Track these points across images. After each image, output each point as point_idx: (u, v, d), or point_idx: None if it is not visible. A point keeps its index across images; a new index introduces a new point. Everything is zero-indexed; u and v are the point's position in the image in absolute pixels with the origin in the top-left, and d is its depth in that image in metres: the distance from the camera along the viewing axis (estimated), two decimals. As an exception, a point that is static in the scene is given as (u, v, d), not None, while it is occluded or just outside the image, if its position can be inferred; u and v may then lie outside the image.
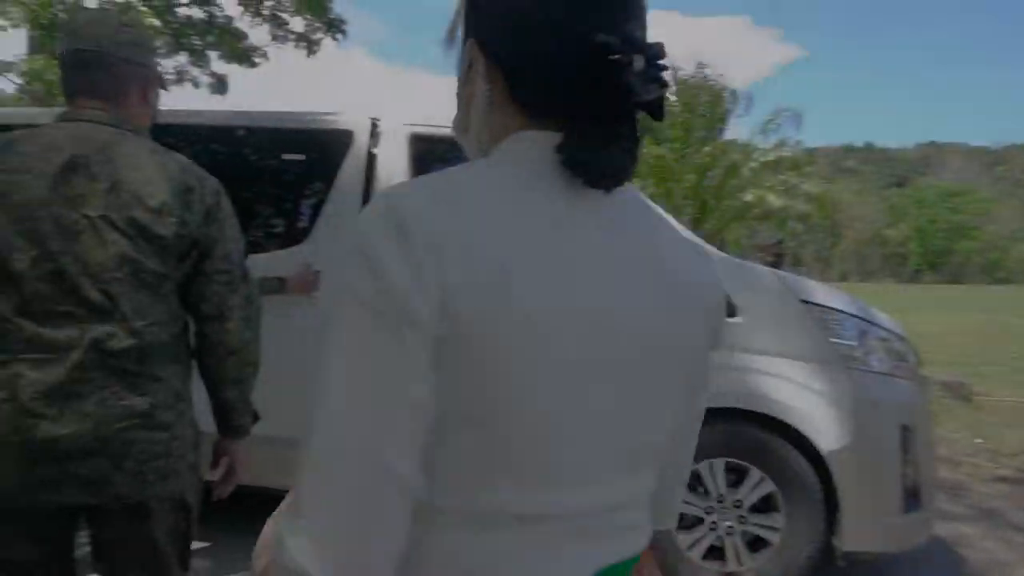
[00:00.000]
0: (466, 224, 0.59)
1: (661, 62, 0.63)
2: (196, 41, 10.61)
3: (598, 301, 0.62)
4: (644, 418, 0.68)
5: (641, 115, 0.65)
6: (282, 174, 4.21)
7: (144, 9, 9.11)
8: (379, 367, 0.56)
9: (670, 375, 0.69)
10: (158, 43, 10.03)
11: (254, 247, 2.40)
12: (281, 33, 10.62)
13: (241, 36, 10.61)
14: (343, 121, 3.21)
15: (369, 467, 0.55)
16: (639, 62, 0.61)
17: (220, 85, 11.13)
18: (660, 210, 0.56)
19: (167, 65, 10.29)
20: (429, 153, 3.19)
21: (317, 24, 10.55)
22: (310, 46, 10.69)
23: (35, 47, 7.85)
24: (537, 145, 0.64)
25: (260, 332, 1.53)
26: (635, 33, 0.64)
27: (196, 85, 10.80)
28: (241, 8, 10.46)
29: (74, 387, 1.27)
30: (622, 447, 0.66)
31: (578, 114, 0.62)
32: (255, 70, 10.81)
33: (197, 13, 10.32)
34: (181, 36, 10.36)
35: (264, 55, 10.90)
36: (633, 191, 0.71)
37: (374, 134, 3.15)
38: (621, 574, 0.68)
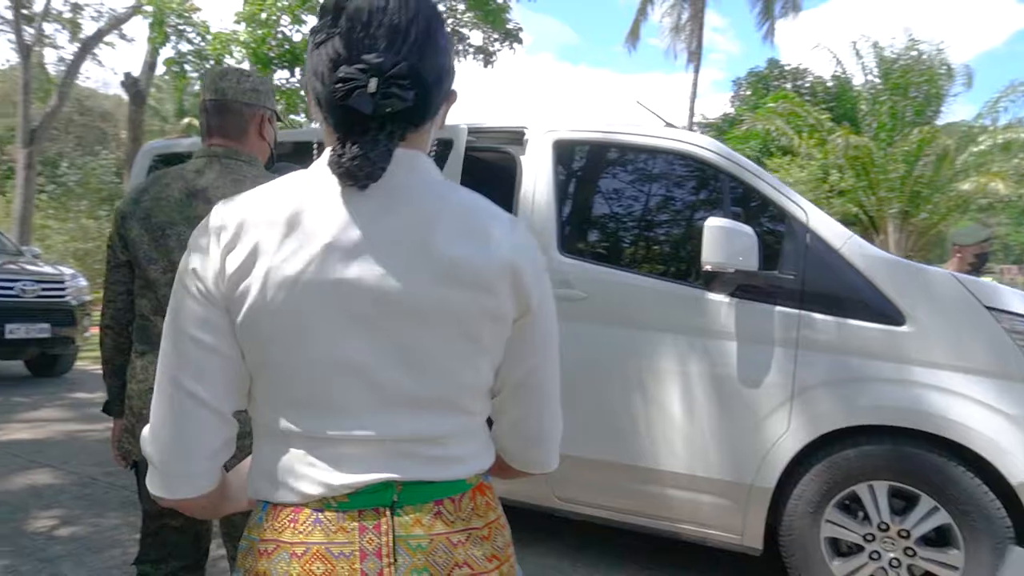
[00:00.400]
0: (241, 219, 0.81)
1: (398, 80, 0.77)
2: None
3: (348, 273, 0.79)
4: (421, 369, 0.82)
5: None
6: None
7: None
8: (179, 320, 0.83)
9: (444, 335, 0.82)
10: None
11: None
12: (461, 48, 11.22)
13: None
14: (497, 135, 3.34)
15: (171, 386, 0.83)
16: (372, 84, 0.76)
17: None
18: (458, 195, 0.81)
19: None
20: (572, 157, 3.22)
21: (495, 36, 11.02)
22: (487, 58, 11.19)
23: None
24: (327, 155, 0.82)
25: None
26: (374, 60, 0.77)
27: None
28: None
29: None
30: (397, 391, 0.81)
31: (343, 129, 0.79)
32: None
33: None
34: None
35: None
36: (422, 182, 0.84)
37: (521, 142, 3.24)
38: (427, 492, 0.83)
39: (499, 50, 11.18)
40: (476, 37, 11.19)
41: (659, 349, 2.83)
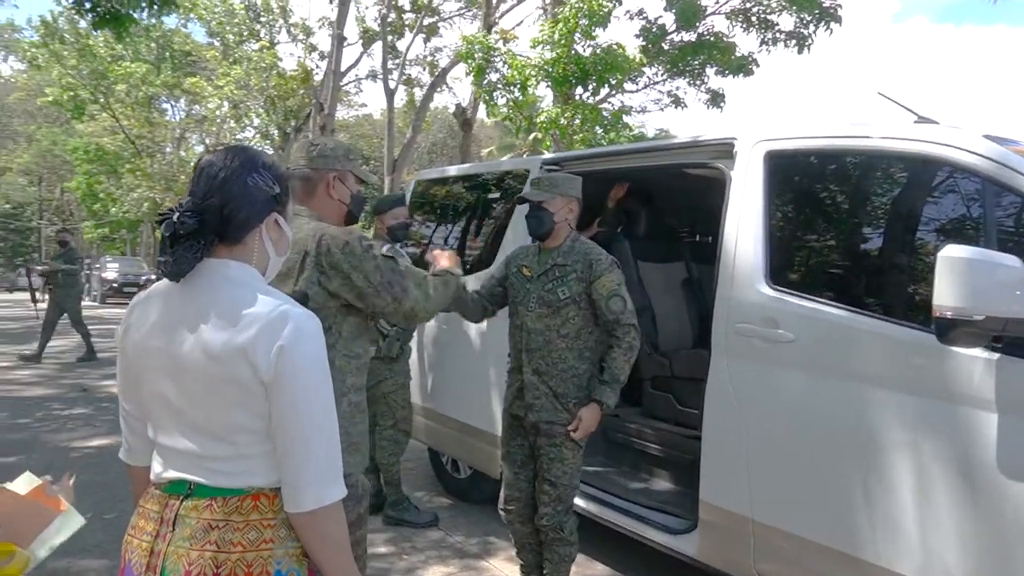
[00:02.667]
0: (134, 304, 1.31)
1: (188, 212, 1.20)
2: (693, 62, 11.13)
3: (163, 342, 1.21)
4: (204, 412, 1.19)
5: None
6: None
7: (641, 45, 10.04)
8: (118, 368, 1.32)
9: (206, 388, 1.18)
10: (655, 70, 10.91)
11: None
12: (770, 36, 10.29)
13: (731, 48, 10.69)
14: (706, 148, 2.98)
15: (120, 400, 1.35)
16: (175, 215, 1.20)
17: (715, 99, 11.43)
18: (234, 293, 1.20)
19: (664, 89, 11.09)
20: (787, 171, 2.70)
21: (807, 18, 9.86)
22: (800, 43, 10.07)
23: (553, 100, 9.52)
24: None
25: None
26: (185, 201, 1.23)
27: (683, 106, 11.33)
28: (728, 21, 10.56)
29: None
30: (194, 424, 1.20)
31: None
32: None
33: (687, 36, 10.81)
34: (677, 60, 11.03)
35: (755, 62, 10.75)
36: (222, 279, 1.23)
37: (731, 155, 2.83)
38: (206, 491, 1.20)
39: (814, 32, 9.98)
40: (786, 21, 10.17)
41: (885, 411, 2.21)
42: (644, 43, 10.18)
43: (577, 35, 8.58)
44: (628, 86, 10.71)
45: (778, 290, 2.52)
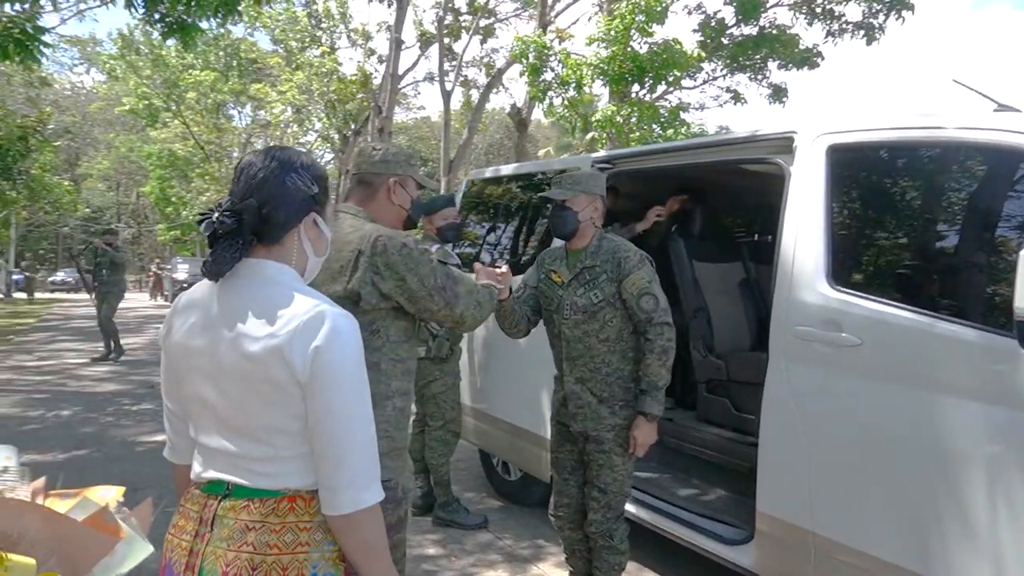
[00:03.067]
0: (176, 305, 1.32)
1: (227, 212, 1.22)
2: (753, 56, 10.82)
3: (202, 343, 1.23)
4: (242, 412, 1.20)
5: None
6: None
7: (699, 40, 9.80)
8: (162, 368, 1.36)
9: (243, 389, 1.19)
10: (714, 66, 10.64)
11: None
12: (836, 27, 9.89)
13: (795, 41, 10.33)
14: (762, 144, 2.85)
15: (164, 399, 1.36)
16: (215, 214, 1.22)
17: (778, 93, 11.09)
18: (271, 292, 1.21)
19: (723, 85, 10.80)
20: (852, 166, 2.55)
21: (877, 7, 9.44)
22: (869, 33, 9.63)
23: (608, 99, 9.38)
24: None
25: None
26: (225, 201, 1.25)
27: (743, 101, 11.01)
28: (792, 12, 10.20)
29: None
30: (232, 424, 1.22)
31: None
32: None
33: (747, 30, 10.50)
34: (738, 55, 10.73)
35: (820, 55, 10.36)
36: (260, 279, 1.24)
37: (790, 150, 2.69)
38: (244, 492, 1.20)
39: (884, 22, 9.54)
40: (854, 11, 9.76)
41: (960, 422, 2.06)
42: (702, 38, 9.93)
43: (633, 32, 8.43)
44: (686, 82, 10.47)
45: (841, 291, 2.38)
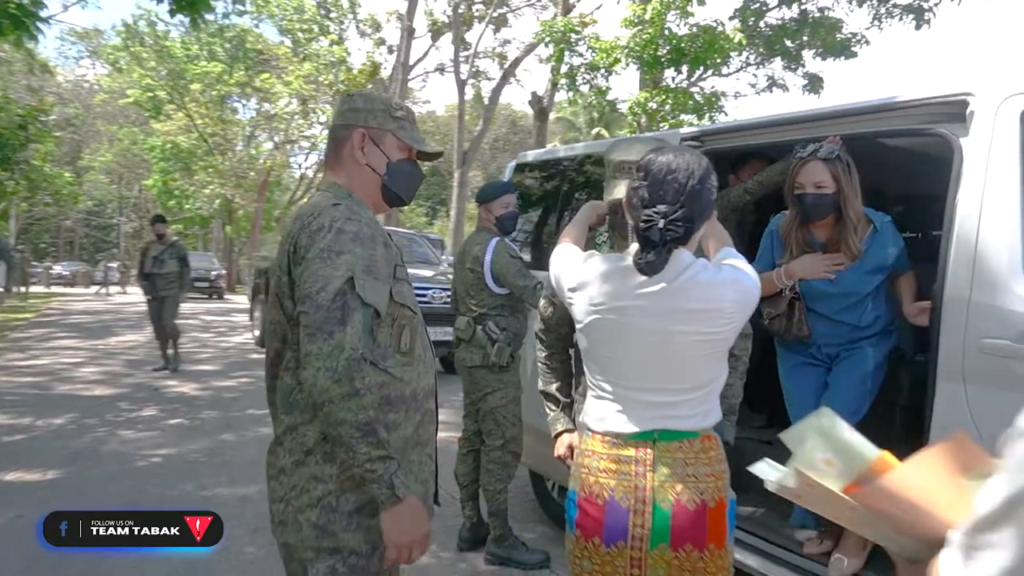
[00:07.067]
0: (584, 282, 1.63)
1: (675, 222, 1.43)
2: (789, 44, 10.26)
3: (632, 316, 1.53)
4: (690, 370, 1.52)
5: None
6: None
7: (736, 26, 9.25)
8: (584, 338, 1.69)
9: (697, 352, 1.50)
10: (748, 53, 10.09)
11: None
12: (884, 9, 9.31)
13: (837, 26, 9.76)
14: (920, 111, 2.30)
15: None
16: (660, 223, 1.44)
17: (814, 84, 10.54)
18: (696, 274, 1.41)
19: (757, 73, 10.24)
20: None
21: (928, -12, 8.88)
22: (919, 17, 9.07)
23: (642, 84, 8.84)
24: (632, 251, 1.54)
25: (365, 388, 1.30)
26: (663, 208, 1.44)
27: (784, 89, 10.44)
28: (837, -5, 9.63)
29: None
30: (670, 379, 1.54)
31: (642, 244, 1.47)
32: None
33: (789, 13, 9.93)
34: (773, 43, 10.17)
35: (862, 41, 9.79)
36: (678, 270, 1.49)
37: (962, 118, 2.15)
38: (666, 435, 1.50)
39: (935, 5, 8.97)
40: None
41: None
42: (741, 22, 9.34)
43: (671, 13, 7.88)
44: (721, 69, 9.90)
45: (1050, 293, 1.84)
